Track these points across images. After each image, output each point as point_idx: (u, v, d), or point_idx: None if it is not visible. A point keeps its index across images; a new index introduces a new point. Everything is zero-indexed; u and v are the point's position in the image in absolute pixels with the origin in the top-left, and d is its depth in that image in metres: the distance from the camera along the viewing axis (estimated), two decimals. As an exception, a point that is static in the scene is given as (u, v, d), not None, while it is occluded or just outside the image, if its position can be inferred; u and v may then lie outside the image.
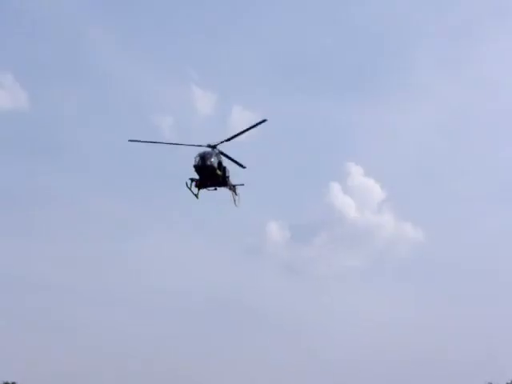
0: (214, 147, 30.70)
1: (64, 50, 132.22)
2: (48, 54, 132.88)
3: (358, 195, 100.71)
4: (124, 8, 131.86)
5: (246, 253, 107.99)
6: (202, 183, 31.39)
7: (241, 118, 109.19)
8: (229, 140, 30.51)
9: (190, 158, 30.79)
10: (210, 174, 30.17)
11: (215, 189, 32.83)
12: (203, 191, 32.33)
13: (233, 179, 35.33)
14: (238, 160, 33.55)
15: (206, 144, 30.44)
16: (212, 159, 29.81)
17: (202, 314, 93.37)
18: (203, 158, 29.53)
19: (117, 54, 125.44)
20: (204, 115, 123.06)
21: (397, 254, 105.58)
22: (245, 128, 30.10)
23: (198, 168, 29.69)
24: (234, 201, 36.27)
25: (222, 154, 31.42)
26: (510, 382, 75.81)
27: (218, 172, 30.46)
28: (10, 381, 73.30)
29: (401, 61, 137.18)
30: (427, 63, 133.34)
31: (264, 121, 29.29)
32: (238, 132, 30.43)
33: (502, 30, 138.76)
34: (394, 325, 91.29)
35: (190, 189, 31.08)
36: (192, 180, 31.04)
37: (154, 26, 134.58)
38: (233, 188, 35.51)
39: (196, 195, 31.86)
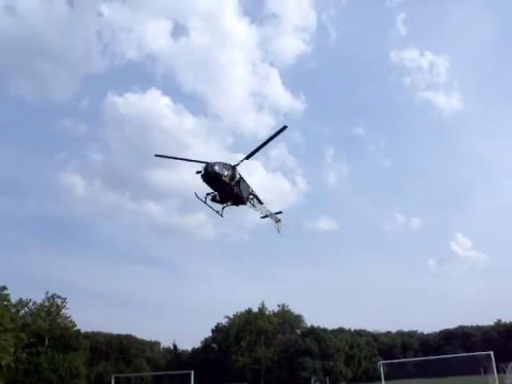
0: (234, 166, 28.24)
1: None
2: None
3: (461, 245, 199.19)
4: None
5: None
6: (220, 198, 28.82)
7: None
8: (248, 158, 27.90)
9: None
10: (216, 181, 27.13)
11: (237, 205, 29.97)
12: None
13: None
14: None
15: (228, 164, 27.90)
16: (217, 167, 26.83)
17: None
18: (207, 165, 26.82)
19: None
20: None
21: (477, 266, 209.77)
22: (264, 141, 27.22)
23: (202, 175, 26.83)
24: (278, 230, 34.09)
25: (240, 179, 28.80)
26: None
27: (225, 179, 27.11)
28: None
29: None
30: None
31: (285, 127, 26.46)
32: (256, 147, 27.47)
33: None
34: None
35: (205, 202, 28.50)
36: (207, 194, 28.59)
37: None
38: (270, 214, 33.85)
39: (218, 212, 29.29)
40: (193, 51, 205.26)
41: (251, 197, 31.51)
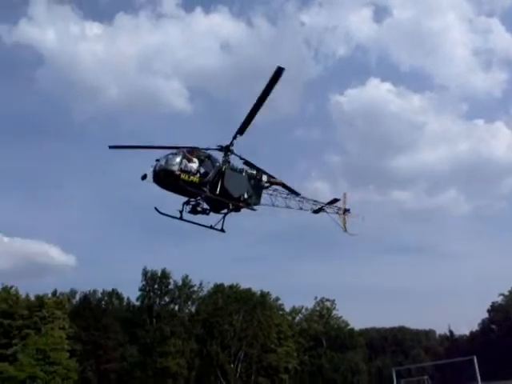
0: (226, 148, 20.97)
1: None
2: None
3: None
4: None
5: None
6: (209, 205, 20.93)
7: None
8: (241, 132, 20.73)
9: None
10: (174, 184, 19.11)
11: (238, 211, 21.93)
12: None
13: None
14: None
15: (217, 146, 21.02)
16: (171, 162, 18.92)
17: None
18: (157, 162, 19.13)
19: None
20: None
21: None
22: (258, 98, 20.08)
23: (153, 180, 19.22)
24: (345, 228, 28.26)
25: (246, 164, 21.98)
26: None
27: (188, 178, 18.98)
28: None
29: None
30: None
31: (280, 69, 19.09)
32: (247, 117, 20.36)
33: None
34: None
35: (181, 218, 20.53)
36: (184, 203, 20.57)
37: None
38: (323, 206, 27.23)
39: (212, 227, 21.52)
40: (401, 28, 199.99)
41: (271, 189, 23.15)
